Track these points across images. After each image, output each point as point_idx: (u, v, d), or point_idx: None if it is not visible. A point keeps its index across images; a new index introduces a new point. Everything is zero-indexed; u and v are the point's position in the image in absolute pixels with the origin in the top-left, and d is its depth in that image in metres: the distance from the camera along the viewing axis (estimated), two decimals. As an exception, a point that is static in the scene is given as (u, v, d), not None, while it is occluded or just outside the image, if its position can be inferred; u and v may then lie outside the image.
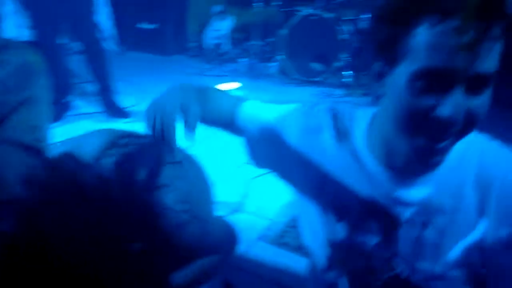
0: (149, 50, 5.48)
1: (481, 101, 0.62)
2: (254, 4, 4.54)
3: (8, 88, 1.15)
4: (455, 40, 0.57)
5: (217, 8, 5.09)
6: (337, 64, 4.19)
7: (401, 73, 0.62)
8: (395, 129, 0.68)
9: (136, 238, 0.84)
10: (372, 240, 0.81)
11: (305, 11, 4.20)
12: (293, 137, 0.86)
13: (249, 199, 2.14)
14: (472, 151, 0.72)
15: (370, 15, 4.12)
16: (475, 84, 0.60)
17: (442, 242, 0.73)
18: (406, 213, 0.75)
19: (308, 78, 4.34)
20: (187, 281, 0.90)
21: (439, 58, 0.58)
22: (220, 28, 5.05)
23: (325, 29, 4.13)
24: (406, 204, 0.74)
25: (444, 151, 0.65)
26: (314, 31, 4.18)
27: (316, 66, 4.31)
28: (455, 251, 0.73)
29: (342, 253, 0.86)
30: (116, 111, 3.28)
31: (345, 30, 4.10)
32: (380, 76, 0.68)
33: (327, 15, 4.11)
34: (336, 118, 0.85)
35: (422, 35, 0.59)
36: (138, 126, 0.79)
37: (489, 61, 0.59)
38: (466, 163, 0.72)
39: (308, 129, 0.85)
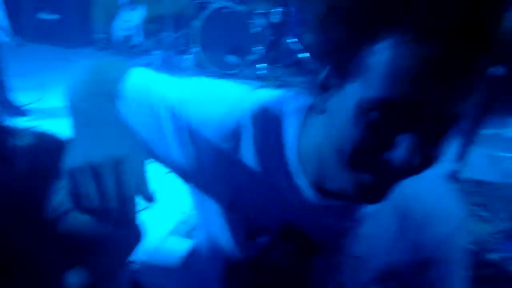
0: (52, 42, 5.07)
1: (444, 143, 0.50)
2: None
3: None
4: (429, 67, 0.43)
5: (126, -2, 4.85)
6: (251, 57, 4.25)
7: (351, 95, 0.48)
8: (334, 157, 0.53)
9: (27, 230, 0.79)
10: (282, 263, 0.70)
11: (217, 3, 4.19)
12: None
13: (162, 193, 2.09)
14: None
15: (281, 9, 4.24)
16: (442, 126, 0.47)
17: (358, 274, 0.68)
18: (328, 243, 0.66)
19: (224, 71, 4.34)
20: (85, 280, 0.86)
21: (403, 88, 0.44)
22: (130, 18, 4.83)
23: (238, 22, 4.17)
24: (331, 233, 0.65)
25: (391, 189, 0.54)
26: (228, 23, 4.20)
27: (231, 58, 4.33)
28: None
29: (242, 270, 0.75)
30: (13, 110, 3.00)
31: (257, 23, 4.16)
32: (324, 87, 0.52)
33: (239, 8, 4.14)
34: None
35: (385, 54, 0.44)
36: (38, 125, 0.72)
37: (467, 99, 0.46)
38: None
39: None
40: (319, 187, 0.60)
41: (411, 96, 0.43)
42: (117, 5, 4.85)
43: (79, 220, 0.69)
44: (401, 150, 0.46)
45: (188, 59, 4.51)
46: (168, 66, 4.40)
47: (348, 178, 0.52)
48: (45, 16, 5.01)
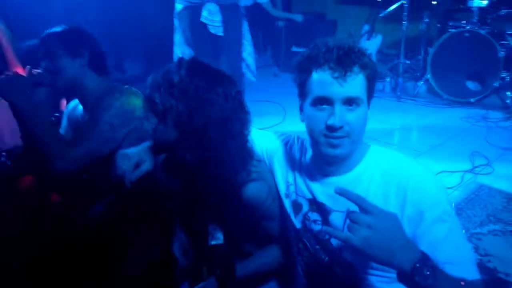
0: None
1: (356, 115, 1.04)
2: (403, 22, 4.42)
3: (114, 127, 1.53)
4: (330, 77, 1.02)
5: (366, 27, 5.12)
6: (495, 83, 3.76)
7: (307, 102, 1.08)
8: (311, 141, 1.12)
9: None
10: (316, 227, 1.17)
11: (459, 26, 3.91)
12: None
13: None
14: (392, 168, 1.08)
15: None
16: (348, 103, 1.04)
17: None
18: (334, 206, 1.12)
19: (459, 99, 4.00)
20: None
21: (323, 89, 1.03)
22: (368, 47, 5.05)
23: (481, 45, 3.77)
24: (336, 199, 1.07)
25: (341, 148, 1.05)
26: (469, 47, 3.85)
27: (470, 85, 3.94)
28: None
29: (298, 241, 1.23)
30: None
31: (505, 46, 3.65)
32: (301, 108, 1.13)
33: (484, 30, 3.74)
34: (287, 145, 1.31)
35: (314, 77, 1.05)
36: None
37: (353, 88, 1.03)
38: (387, 178, 1.07)
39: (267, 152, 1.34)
40: (318, 169, 1.19)
41: (327, 91, 1.05)
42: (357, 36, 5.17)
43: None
44: (333, 117, 1.03)
45: (421, 86, 4.38)
46: (399, 93, 4.39)
47: (317, 149, 1.12)
48: (296, 49, 5.83)
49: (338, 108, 1.02)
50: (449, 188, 2.55)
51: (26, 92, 1.50)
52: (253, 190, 1.20)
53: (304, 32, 5.51)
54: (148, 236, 1.68)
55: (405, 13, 4.28)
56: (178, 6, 3.20)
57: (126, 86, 1.68)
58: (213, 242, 1.17)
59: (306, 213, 1.20)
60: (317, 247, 1.19)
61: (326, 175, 1.15)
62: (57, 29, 1.63)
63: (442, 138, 3.33)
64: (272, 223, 1.30)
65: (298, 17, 5.58)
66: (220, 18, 3.12)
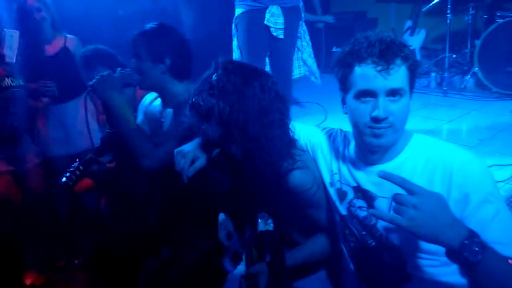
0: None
1: (400, 106, 1.09)
2: (447, 15, 4.30)
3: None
4: (373, 71, 1.06)
5: (408, 23, 5.02)
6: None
7: (350, 96, 1.13)
8: (355, 132, 1.17)
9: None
10: (362, 213, 1.22)
11: (507, 16, 3.76)
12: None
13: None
14: (436, 154, 1.11)
15: None
16: (391, 95, 1.08)
17: None
18: (379, 192, 1.16)
19: (509, 91, 3.84)
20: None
21: (367, 82, 1.08)
22: (411, 43, 4.95)
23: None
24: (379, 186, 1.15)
25: (385, 138, 1.10)
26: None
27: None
28: None
29: (344, 228, 1.28)
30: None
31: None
32: (343, 101, 1.19)
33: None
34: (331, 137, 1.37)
35: (357, 71, 1.09)
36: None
37: (396, 80, 1.07)
38: (432, 163, 1.10)
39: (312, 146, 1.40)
40: (362, 159, 1.25)
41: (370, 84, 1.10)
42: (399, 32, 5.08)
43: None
44: (377, 110, 1.08)
45: (468, 80, 4.24)
46: (446, 88, 4.27)
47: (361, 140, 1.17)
48: (337, 49, 5.80)
49: (382, 100, 1.07)
50: (500, 181, 2.48)
51: (118, 91, 1.62)
52: (298, 177, 1.26)
53: (345, 32, 5.49)
54: (200, 226, 1.79)
55: (449, 6, 4.17)
56: (239, 10, 3.20)
57: None
58: (263, 229, 1.23)
59: (351, 200, 1.25)
60: (364, 232, 1.23)
61: (370, 163, 1.19)
62: (146, 29, 1.68)
63: (492, 132, 3.22)
64: (318, 211, 1.35)
65: (329, 19, 5.56)
66: (283, 20, 3.12)
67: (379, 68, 1.05)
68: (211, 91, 1.21)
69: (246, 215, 1.40)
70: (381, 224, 1.17)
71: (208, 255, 1.69)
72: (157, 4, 4.23)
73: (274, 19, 3.10)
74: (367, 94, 1.09)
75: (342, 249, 1.34)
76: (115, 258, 1.86)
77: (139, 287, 1.73)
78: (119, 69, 1.71)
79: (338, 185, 1.29)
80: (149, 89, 1.83)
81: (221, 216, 1.60)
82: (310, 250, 1.40)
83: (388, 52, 1.06)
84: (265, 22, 3.09)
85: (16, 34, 2.28)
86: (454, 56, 4.45)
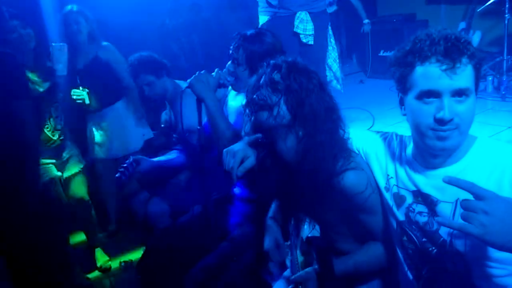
0: (388, 77, 5.58)
1: (466, 107, 1.02)
2: (506, 15, 4.04)
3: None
4: (438, 70, 1.00)
5: (462, 25, 4.78)
6: None
7: (411, 96, 1.06)
8: (416, 134, 1.10)
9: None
10: (422, 218, 1.15)
11: None
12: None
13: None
14: (504, 157, 1.04)
15: None
16: (457, 95, 1.01)
17: None
18: (441, 197, 1.09)
19: None
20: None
21: (431, 82, 1.01)
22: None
23: None
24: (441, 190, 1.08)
25: (450, 140, 1.03)
26: None
27: None
28: None
29: (402, 235, 1.21)
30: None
31: None
32: (401, 102, 1.13)
33: None
34: (387, 141, 1.30)
35: (419, 71, 1.03)
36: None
37: (462, 79, 1.00)
38: (500, 167, 1.03)
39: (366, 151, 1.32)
40: (422, 164, 1.17)
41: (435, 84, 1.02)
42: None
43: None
44: (443, 111, 1.02)
45: (529, 83, 3.96)
46: (505, 92, 4.01)
47: (423, 143, 1.10)
48: (385, 53, 5.64)
49: (447, 100, 1.01)
50: None
51: (213, 90, 1.72)
52: (352, 178, 1.21)
53: (393, 35, 5.33)
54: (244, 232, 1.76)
55: (507, 5, 3.93)
56: (263, 18, 3.15)
57: None
58: (310, 235, 1.18)
59: (410, 205, 1.18)
60: (424, 239, 1.15)
61: (431, 167, 1.13)
62: (246, 35, 1.75)
63: (557, 138, 2.98)
64: (372, 217, 1.28)
65: (366, 28, 5.41)
66: (312, 26, 3.07)
67: (444, 67, 0.99)
68: (276, 86, 1.20)
69: (292, 219, 1.35)
70: (444, 230, 1.10)
71: (252, 265, 1.66)
72: (199, 15, 4.32)
73: (303, 25, 3.04)
74: (430, 94, 1.02)
75: (398, 258, 1.26)
76: (161, 263, 1.88)
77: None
78: (217, 69, 1.78)
79: (395, 189, 1.22)
80: (243, 91, 1.88)
81: (269, 223, 1.55)
82: (362, 258, 1.33)
83: (453, 50, 0.99)
84: (294, 29, 3.03)
85: (64, 47, 2.40)
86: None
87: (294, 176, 1.27)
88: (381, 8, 6.19)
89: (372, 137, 1.35)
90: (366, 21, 5.39)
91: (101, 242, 2.86)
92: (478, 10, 4.39)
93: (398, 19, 5.46)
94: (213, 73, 1.78)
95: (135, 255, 2.70)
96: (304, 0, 3.04)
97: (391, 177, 1.24)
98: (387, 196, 1.24)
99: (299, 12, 3.03)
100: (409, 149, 1.21)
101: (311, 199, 1.27)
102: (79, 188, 2.53)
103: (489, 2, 4.20)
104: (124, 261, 2.67)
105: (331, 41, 3.64)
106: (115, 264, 2.71)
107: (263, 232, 1.51)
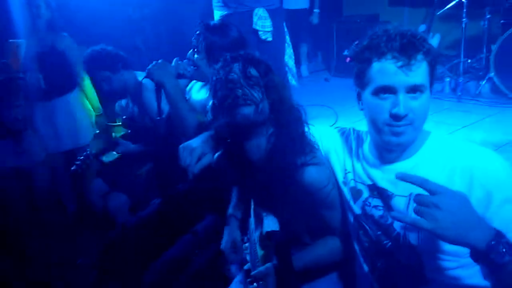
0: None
1: (420, 103, 1.03)
2: (463, 19, 4.22)
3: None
4: (394, 66, 1.01)
5: (422, 27, 4.95)
6: None
7: (367, 92, 1.07)
8: (372, 130, 1.11)
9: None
10: (377, 212, 1.16)
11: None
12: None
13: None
14: (456, 152, 1.06)
15: None
16: (412, 91, 1.02)
17: None
18: (396, 191, 1.11)
19: (527, 97, 3.75)
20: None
21: (386, 78, 1.02)
22: (425, 48, 4.88)
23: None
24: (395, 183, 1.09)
25: (404, 136, 1.05)
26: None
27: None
28: None
29: (358, 228, 1.22)
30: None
31: None
32: (358, 97, 1.14)
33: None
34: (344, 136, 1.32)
35: (376, 67, 1.04)
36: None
37: (417, 76, 1.01)
38: (451, 162, 1.05)
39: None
40: (378, 157, 1.19)
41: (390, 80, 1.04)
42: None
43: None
44: (398, 107, 1.03)
45: (483, 85, 4.15)
46: (461, 93, 4.19)
47: (378, 138, 1.12)
48: (347, 53, 5.75)
49: (402, 96, 1.02)
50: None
51: (173, 77, 1.68)
52: (314, 173, 1.21)
53: (357, 35, 5.43)
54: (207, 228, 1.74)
55: (465, 10, 4.10)
56: (218, 13, 3.08)
57: None
58: (269, 229, 1.18)
59: (366, 199, 1.20)
60: (379, 232, 1.17)
61: (387, 162, 1.15)
62: (207, 25, 1.73)
63: (508, 138, 3.14)
64: (331, 212, 1.30)
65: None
66: (271, 23, 3.08)
67: (399, 63, 1.00)
68: (257, 84, 1.21)
69: (252, 214, 1.34)
70: (398, 223, 1.12)
71: (214, 258, 1.65)
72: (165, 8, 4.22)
73: (262, 22, 3.02)
74: (386, 90, 1.04)
75: (355, 251, 1.29)
76: (121, 258, 1.83)
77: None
78: (176, 58, 1.74)
79: (352, 183, 1.24)
80: (202, 81, 1.87)
81: (228, 221, 1.53)
82: (320, 252, 1.34)
83: (409, 47, 1.00)
84: (253, 26, 3.02)
85: (21, 44, 2.33)
86: (469, 61, 4.37)
87: (255, 171, 1.27)
88: (346, 8, 6.32)
89: (331, 132, 1.37)
90: (316, 10, 5.46)
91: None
92: (438, 14, 4.56)
93: (362, 19, 5.58)
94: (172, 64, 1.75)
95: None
96: None
97: (349, 172, 1.25)
98: (345, 190, 1.26)
99: (257, 8, 3.00)
100: (366, 144, 1.23)
101: (273, 193, 1.27)
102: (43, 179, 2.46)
103: (448, 6, 4.37)
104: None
105: (287, 38, 3.67)
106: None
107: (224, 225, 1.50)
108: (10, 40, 2.36)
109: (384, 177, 1.15)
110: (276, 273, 1.22)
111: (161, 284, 1.64)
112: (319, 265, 1.35)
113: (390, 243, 1.15)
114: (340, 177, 1.28)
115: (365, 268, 1.25)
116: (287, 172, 1.21)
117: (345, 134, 1.33)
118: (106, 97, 2.70)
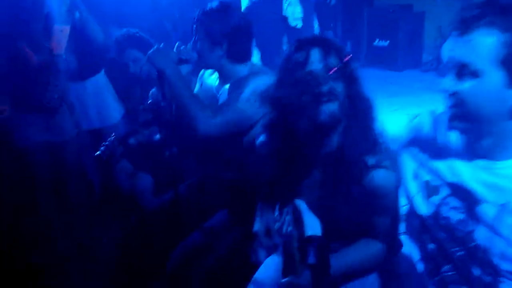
0: (383, 66, 5.59)
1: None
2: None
3: (254, 105, 1.51)
4: None
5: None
6: None
7: None
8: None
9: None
10: (456, 215, 0.99)
11: None
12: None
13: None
14: None
15: None
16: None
17: None
18: (488, 196, 0.92)
19: None
20: None
21: None
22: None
23: None
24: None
25: None
26: None
27: None
28: None
29: (423, 230, 1.08)
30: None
31: None
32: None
33: None
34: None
35: None
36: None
37: None
38: None
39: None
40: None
41: None
42: (447, 29, 4.83)
43: None
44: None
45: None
46: None
47: None
48: (380, 43, 5.61)
49: None
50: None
51: (174, 63, 1.59)
52: (383, 178, 1.09)
53: (389, 24, 5.29)
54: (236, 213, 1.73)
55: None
56: (245, 2, 3.11)
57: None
58: (311, 233, 1.10)
59: (444, 198, 1.03)
60: (450, 237, 1.03)
61: (480, 157, 0.96)
62: (206, 9, 1.66)
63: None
64: (385, 219, 1.18)
65: None
66: (300, 9, 3.06)
67: None
68: (338, 76, 1.07)
69: (289, 213, 1.26)
70: (481, 234, 0.95)
71: (241, 244, 1.63)
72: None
73: (292, 8, 3.04)
74: None
75: (408, 248, 1.16)
76: (143, 241, 1.85)
77: (168, 274, 1.69)
78: (178, 43, 1.68)
79: (426, 177, 1.08)
80: (206, 68, 1.82)
81: (261, 206, 1.42)
82: (360, 256, 1.20)
83: None
84: (283, 12, 3.02)
85: (66, 29, 2.37)
86: None
87: (311, 166, 1.18)
88: (378, -4, 6.15)
89: (401, 121, 1.23)
90: None
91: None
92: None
93: (395, 9, 5.42)
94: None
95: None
96: None
97: (423, 164, 1.10)
98: (413, 185, 1.12)
99: None
100: (453, 132, 1.02)
101: (329, 192, 1.16)
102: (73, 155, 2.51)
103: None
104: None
105: (315, 26, 3.66)
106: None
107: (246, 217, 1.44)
108: (56, 25, 2.39)
109: (474, 176, 0.96)
110: (312, 277, 1.08)
111: (182, 271, 1.64)
112: (357, 269, 1.22)
113: (462, 253, 1.01)
114: (410, 168, 1.13)
115: (422, 268, 1.12)
116: (355, 172, 1.09)
117: (420, 120, 1.16)
118: (131, 80, 2.73)
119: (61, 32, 2.37)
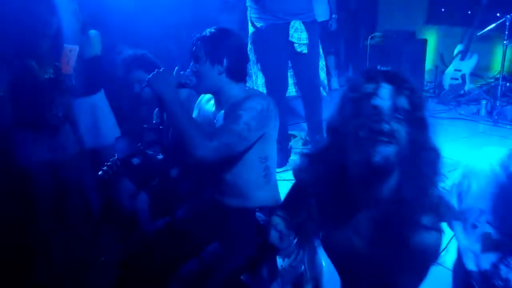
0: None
1: None
2: (505, 41, 4.08)
3: (250, 127, 1.59)
4: None
5: (460, 47, 4.84)
6: None
7: None
8: None
9: None
10: None
11: None
12: None
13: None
14: None
15: None
16: None
17: None
18: None
19: None
20: None
21: None
22: (461, 68, 4.77)
23: None
24: None
25: None
26: None
27: None
28: None
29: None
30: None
31: None
32: None
33: None
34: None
35: None
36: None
37: None
38: None
39: None
40: None
41: None
42: (449, 55, 4.90)
43: None
44: None
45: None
46: (498, 117, 4.05)
47: None
48: (381, 68, 5.65)
49: None
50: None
51: (173, 88, 1.61)
52: (433, 241, 0.98)
53: (391, 50, 5.35)
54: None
55: (507, 32, 3.98)
56: (255, 24, 3.17)
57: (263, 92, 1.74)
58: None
59: (504, 257, 0.94)
60: None
61: None
62: (205, 33, 1.70)
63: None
64: (414, 279, 1.06)
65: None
66: (306, 36, 3.12)
67: None
68: (400, 116, 0.97)
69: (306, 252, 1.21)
70: None
71: (237, 273, 1.62)
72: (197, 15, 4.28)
73: (298, 34, 3.08)
74: None
75: None
76: (143, 261, 1.83)
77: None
78: (177, 68, 1.70)
79: (487, 229, 0.98)
80: (205, 92, 1.83)
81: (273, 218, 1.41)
82: None
83: None
84: (289, 38, 3.08)
85: (75, 49, 2.39)
86: (507, 84, 4.23)
87: (356, 209, 1.08)
88: (382, 22, 6.24)
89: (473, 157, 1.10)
90: (334, 16, 5.36)
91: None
92: (479, 34, 4.43)
93: (398, 35, 5.49)
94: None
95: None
96: (299, 9, 3.10)
97: (485, 212, 0.99)
98: (468, 233, 1.02)
99: (293, 21, 3.07)
100: None
101: (367, 241, 1.06)
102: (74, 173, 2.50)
103: (489, 27, 4.25)
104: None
105: (320, 50, 3.72)
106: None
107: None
108: (65, 45, 2.42)
109: None
110: None
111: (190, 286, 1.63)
112: None
113: None
114: (470, 216, 1.02)
115: None
116: (404, 229, 0.98)
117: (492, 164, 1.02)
118: (135, 101, 2.74)
119: (70, 52, 2.40)
